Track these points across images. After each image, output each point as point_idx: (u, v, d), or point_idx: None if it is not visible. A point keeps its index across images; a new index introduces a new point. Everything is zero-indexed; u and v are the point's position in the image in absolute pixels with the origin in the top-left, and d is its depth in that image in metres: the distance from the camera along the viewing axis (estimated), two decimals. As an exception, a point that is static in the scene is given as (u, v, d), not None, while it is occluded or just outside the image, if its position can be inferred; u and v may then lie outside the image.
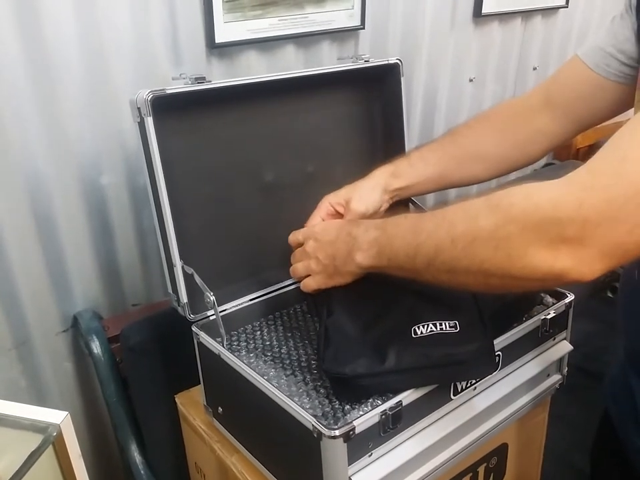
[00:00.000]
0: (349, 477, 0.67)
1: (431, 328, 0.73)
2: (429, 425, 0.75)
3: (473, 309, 0.75)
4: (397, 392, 0.70)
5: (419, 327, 0.73)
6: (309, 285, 0.81)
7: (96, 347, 1.07)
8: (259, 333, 0.92)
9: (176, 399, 0.99)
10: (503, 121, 0.91)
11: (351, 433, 0.65)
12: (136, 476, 1.06)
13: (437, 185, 0.95)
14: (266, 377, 0.77)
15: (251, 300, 0.94)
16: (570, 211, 0.52)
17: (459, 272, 0.60)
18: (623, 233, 0.51)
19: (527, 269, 0.54)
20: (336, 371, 0.71)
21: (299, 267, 0.83)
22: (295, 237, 0.85)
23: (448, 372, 0.72)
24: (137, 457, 1.06)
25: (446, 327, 0.73)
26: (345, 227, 0.77)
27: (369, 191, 0.90)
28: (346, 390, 0.73)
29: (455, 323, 0.73)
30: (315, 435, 0.65)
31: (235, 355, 0.80)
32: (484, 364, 0.74)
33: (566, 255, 0.52)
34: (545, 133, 0.87)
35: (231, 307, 0.91)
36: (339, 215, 0.90)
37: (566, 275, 0.53)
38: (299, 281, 0.84)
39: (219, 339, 0.84)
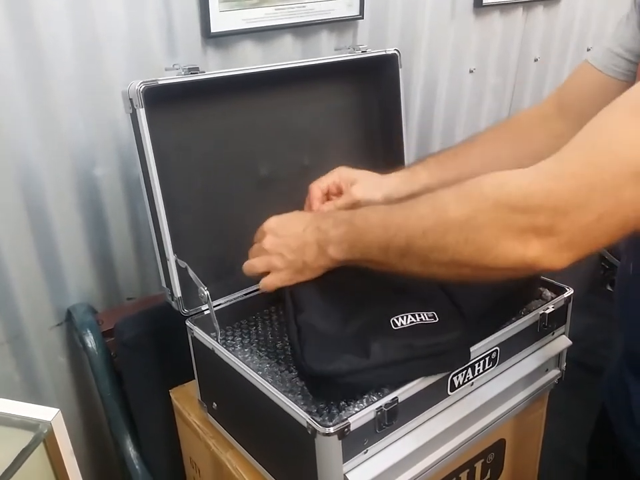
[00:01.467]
0: (344, 474, 0.67)
1: (411, 319, 0.72)
2: (426, 421, 0.74)
3: (445, 300, 0.75)
4: (379, 387, 0.70)
5: (397, 319, 0.72)
6: (271, 282, 0.77)
7: (90, 341, 1.06)
8: (253, 327, 0.91)
9: (170, 394, 0.98)
10: (519, 130, 0.89)
11: (346, 430, 0.64)
12: (131, 470, 1.06)
13: None
14: (260, 373, 0.76)
15: (245, 295, 0.93)
16: (539, 199, 0.52)
17: (431, 264, 0.59)
18: (591, 221, 0.51)
19: (498, 260, 0.54)
20: (319, 369, 0.67)
21: (255, 262, 0.78)
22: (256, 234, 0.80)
23: (432, 363, 0.70)
24: (131, 451, 1.06)
25: (425, 318, 0.72)
26: (311, 221, 0.74)
27: (374, 186, 0.87)
28: (329, 389, 0.69)
29: (433, 314, 0.73)
30: (310, 432, 0.64)
31: (229, 350, 0.79)
32: (462, 354, 0.73)
33: (536, 244, 0.52)
34: (560, 139, 0.85)
35: (225, 301, 0.90)
36: (329, 197, 0.88)
37: (537, 264, 0.53)
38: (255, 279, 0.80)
39: (214, 334, 0.83)
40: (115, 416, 1.07)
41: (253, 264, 0.78)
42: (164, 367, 1.03)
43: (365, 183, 0.86)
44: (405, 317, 0.72)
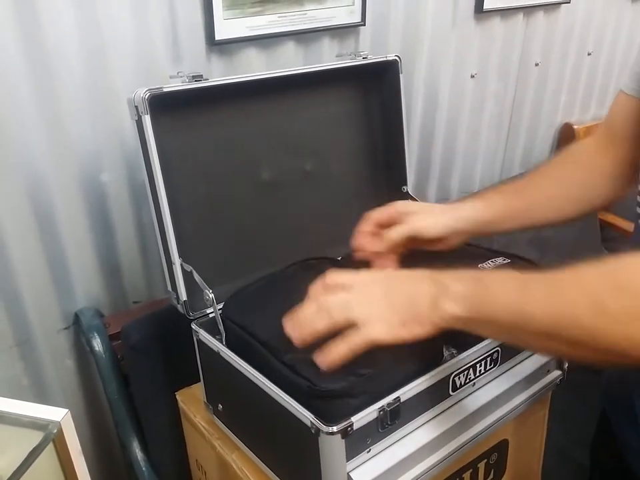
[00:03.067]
0: (348, 473, 0.68)
1: None
2: (428, 421, 0.75)
3: None
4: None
5: None
6: (374, 335, 0.60)
7: (97, 344, 1.07)
8: (258, 330, 0.92)
9: (177, 396, 0.99)
10: (580, 161, 0.88)
11: (349, 429, 0.65)
12: (137, 473, 1.07)
13: (525, 219, 0.85)
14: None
15: (250, 297, 0.94)
16: None
17: (573, 347, 0.55)
18: None
19: None
20: (332, 387, 0.64)
21: (331, 313, 0.61)
22: (328, 283, 0.64)
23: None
24: (138, 453, 1.07)
25: None
26: (423, 274, 0.62)
27: (438, 215, 0.81)
28: (333, 409, 0.66)
29: None
30: (313, 431, 0.65)
31: (234, 353, 0.80)
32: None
33: None
34: (620, 166, 0.85)
35: (230, 304, 0.91)
36: (379, 232, 0.81)
37: None
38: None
39: (219, 337, 0.85)
40: (121, 418, 1.08)
41: (334, 309, 0.61)
42: (170, 369, 1.05)
43: (426, 213, 0.82)
44: None
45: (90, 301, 1.14)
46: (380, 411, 0.67)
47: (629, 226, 1.83)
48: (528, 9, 1.67)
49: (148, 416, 1.08)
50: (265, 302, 0.85)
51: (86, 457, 0.68)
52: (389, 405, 0.68)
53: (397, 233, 0.79)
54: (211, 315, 0.87)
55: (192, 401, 0.97)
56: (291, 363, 0.69)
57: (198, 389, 0.94)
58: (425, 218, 0.80)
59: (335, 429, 0.64)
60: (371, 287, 0.63)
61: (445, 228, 0.80)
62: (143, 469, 1.07)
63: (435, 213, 0.82)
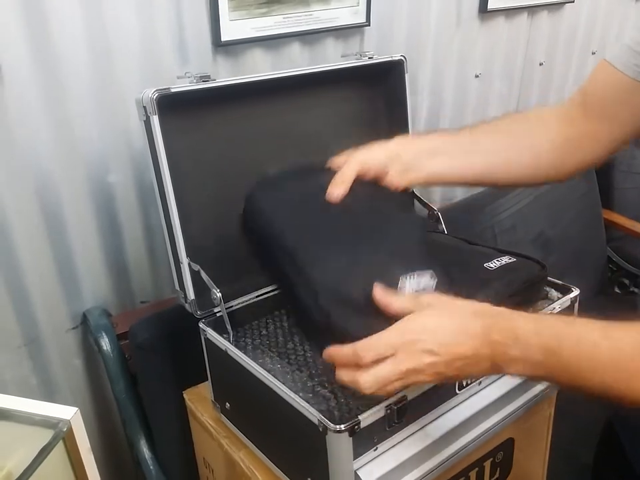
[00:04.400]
0: (355, 471, 0.68)
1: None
2: (435, 420, 0.75)
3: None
4: None
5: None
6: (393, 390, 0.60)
7: (105, 343, 1.08)
8: (264, 329, 0.93)
9: (184, 395, 1.00)
10: (538, 123, 0.84)
11: (356, 427, 0.65)
12: (145, 471, 1.08)
13: (477, 180, 0.84)
14: (272, 373, 0.77)
15: (257, 296, 0.95)
16: None
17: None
18: None
19: None
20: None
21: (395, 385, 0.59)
22: (378, 345, 0.58)
23: None
24: (146, 452, 1.08)
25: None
26: (491, 341, 0.57)
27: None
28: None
29: None
30: (321, 430, 0.66)
31: (241, 351, 0.81)
32: None
33: None
34: (592, 139, 0.80)
35: (237, 303, 0.92)
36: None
37: None
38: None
39: (226, 335, 0.85)
40: (129, 417, 1.09)
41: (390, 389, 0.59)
42: (178, 368, 1.05)
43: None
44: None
45: (98, 300, 1.15)
46: (387, 409, 0.68)
47: (633, 225, 1.83)
48: (532, 9, 1.67)
49: (155, 415, 1.08)
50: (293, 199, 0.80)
51: (94, 455, 0.69)
52: (395, 403, 0.68)
53: (348, 169, 0.77)
54: (218, 314, 0.88)
55: (199, 400, 0.97)
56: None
57: (205, 388, 0.95)
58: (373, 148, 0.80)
59: (342, 427, 0.64)
60: (443, 369, 0.58)
61: (387, 152, 0.79)
62: (151, 467, 1.07)
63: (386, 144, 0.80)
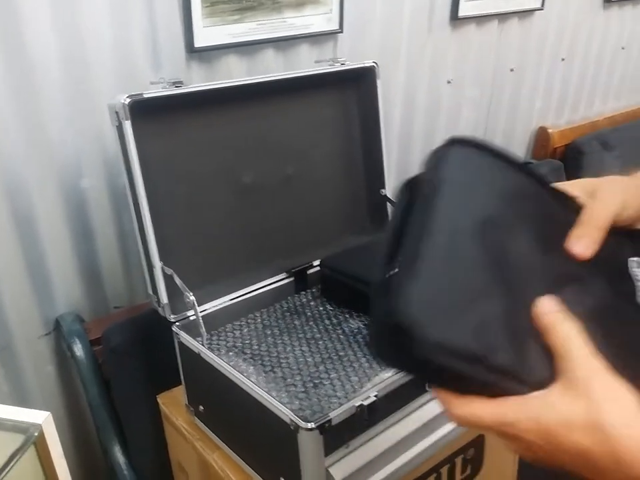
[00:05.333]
0: (326, 469, 0.69)
1: None
2: (405, 417, 0.77)
3: None
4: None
5: None
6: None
7: (78, 349, 1.07)
8: (238, 331, 0.94)
9: (158, 399, 1.00)
10: None
11: (327, 425, 0.66)
12: (119, 477, 1.07)
13: None
14: (245, 374, 0.78)
15: (231, 300, 0.95)
16: None
17: None
18: None
19: None
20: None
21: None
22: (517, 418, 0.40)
23: None
24: (119, 457, 1.07)
25: None
26: (602, 455, 0.38)
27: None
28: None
29: None
30: (292, 428, 0.67)
31: (215, 354, 0.81)
32: None
33: None
34: None
35: (211, 306, 0.93)
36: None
37: None
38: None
39: (199, 339, 0.86)
40: (103, 423, 1.09)
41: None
42: (151, 373, 1.05)
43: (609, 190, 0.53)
44: None
45: (70, 306, 1.15)
46: (358, 407, 0.69)
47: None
48: (502, 16, 1.70)
49: (129, 420, 1.08)
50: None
51: (68, 461, 0.69)
52: (366, 400, 0.69)
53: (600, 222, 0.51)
54: (192, 318, 0.89)
55: (173, 404, 0.98)
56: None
57: (179, 392, 0.95)
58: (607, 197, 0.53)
59: (313, 425, 0.65)
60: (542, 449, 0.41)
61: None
62: (125, 472, 1.07)
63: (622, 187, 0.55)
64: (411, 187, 0.47)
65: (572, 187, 0.55)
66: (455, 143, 0.48)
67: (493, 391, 0.39)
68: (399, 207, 0.46)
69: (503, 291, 0.41)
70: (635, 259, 0.51)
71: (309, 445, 0.66)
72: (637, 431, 0.37)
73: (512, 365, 0.39)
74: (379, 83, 1.09)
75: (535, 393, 0.40)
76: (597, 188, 0.54)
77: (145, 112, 0.84)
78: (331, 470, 0.69)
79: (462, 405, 0.41)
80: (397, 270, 0.41)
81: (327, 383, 0.79)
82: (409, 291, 0.38)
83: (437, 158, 0.47)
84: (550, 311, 0.41)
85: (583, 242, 0.49)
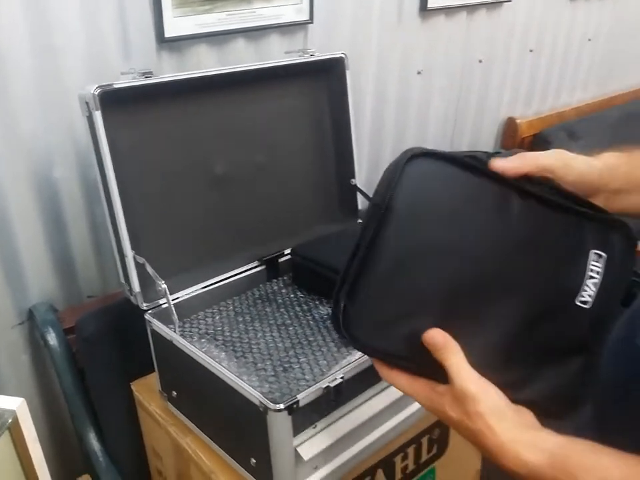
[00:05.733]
0: (295, 448, 0.72)
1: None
2: (372, 397, 0.79)
3: None
4: None
5: None
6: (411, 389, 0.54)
7: (52, 338, 1.08)
8: (211, 319, 0.95)
9: (132, 387, 1.02)
10: None
11: (295, 405, 0.69)
12: (94, 463, 1.09)
13: None
14: (217, 360, 0.80)
15: (203, 288, 0.97)
16: None
17: None
18: None
19: None
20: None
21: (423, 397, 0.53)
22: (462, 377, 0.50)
23: None
24: (95, 444, 1.09)
25: None
26: (512, 440, 0.48)
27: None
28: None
29: None
30: (262, 409, 0.69)
31: (187, 341, 0.83)
32: None
33: None
34: None
35: (183, 294, 0.94)
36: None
37: None
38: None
39: (172, 326, 0.87)
40: (77, 411, 1.10)
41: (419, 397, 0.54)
42: (125, 361, 1.07)
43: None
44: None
45: (44, 296, 1.15)
46: (324, 389, 0.72)
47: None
48: (470, 7, 1.73)
49: (104, 407, 1.09)
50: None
51: (43, 448, 0.70)
52: (333, 382, 0.72)
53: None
54: (164, 306, 0.90)
55: (147, 391, 0.99)
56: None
57: (153, 379, 0.97)
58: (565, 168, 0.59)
59: (282, 406, 0.68)
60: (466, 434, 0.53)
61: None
62: (100, 459, 1.09)
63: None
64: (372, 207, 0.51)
65: (546, 156, 0.59)
66: (412, 158, 0.52)
67: (411, 371, 0.52)
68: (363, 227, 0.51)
69: (425, 311, 0.51)
70: (596, 251, 0.54)
71: (277, 425, 0.69)
72: (499, 411, 0.50)
73: (413, 360, 0.52)
74: (348, 73, 1.11)
75: (439, 388, 0.51)
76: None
77: (116, 102, 0.85)
78: (300, 449, 0.72)
79: (389, 374, 0.54)
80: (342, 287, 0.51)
81: (296, 366, 0.82)
82: (345, 311, 0.50)
83: (390, 178, 0.50)
84: (436, 341, 0.51)
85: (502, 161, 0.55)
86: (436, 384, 0.52)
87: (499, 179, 0.54)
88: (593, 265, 0.54)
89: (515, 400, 0.51)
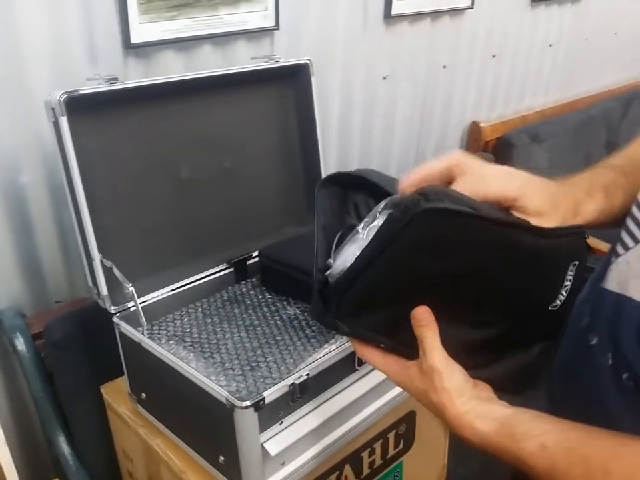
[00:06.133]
0: (262, 444, 0.74)
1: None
2: (336, 394, 0.82)
3: None
4: None
5: None
6: (373, 359, 0.57)
7: (20, 344, 1.08)
8: (179, 321, 0.97)
9: (101, 390, 1.02)
10: None
11: (261, 402, 0.71)
12: (64, 467, 1.09)
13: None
14: (185, 361, 0.82)
15: (171, 290, 0.98)
16: None
17: None
18: None
19: None
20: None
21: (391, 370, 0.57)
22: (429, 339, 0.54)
23: None
24: (64, 448, 1.09)
25: None
26: (472, 411, 0.52)
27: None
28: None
29: None
30: (228, 407, 0.71)
31: (155, 343, 0.84)
32: None
33: None
34: None
35: (151, 297, 0.95)
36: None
37: None
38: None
39: (140, 329, 0.89)
40: (47, 416, 1.10)
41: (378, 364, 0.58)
42: (94, 365, 1.07)
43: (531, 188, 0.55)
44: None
45: (12, 301, 1.15)
46: (290, 386, 0.74)
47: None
48: (434, 14, 1.77)
49: (73, 411, 1.09)
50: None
51: (12, 453, 0.71)
52: (298, 379, 0.74)
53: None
54: (132, 309, 0.91)
55: (116, 393, 1.00)
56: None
57: (122, 382, 0.98)
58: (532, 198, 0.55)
59: (248, 403, 0.70)
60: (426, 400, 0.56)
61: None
62: (70, 463, 1.09)
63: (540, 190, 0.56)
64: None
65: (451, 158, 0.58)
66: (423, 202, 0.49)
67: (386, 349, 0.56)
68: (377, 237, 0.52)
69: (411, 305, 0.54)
70: (573, 262, 0.57)
71: (244, 422, 0.71)
72: (461, 387, 0.54)
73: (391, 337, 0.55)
74: (313, 79, 1.14)
75: (408, 363, 0.55)
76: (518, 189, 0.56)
77: (81, 108, 0.86)
78: (266, 445, 0.74)
79: (364, 350, 0.57)
80: (335, 279, 0.53)
81: (263, 365, 0.84)
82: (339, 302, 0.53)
83: (401, 217, 0.49)
84: (423, 317, 0.54)
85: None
86: (405, 360, 0.56)
87: (496, 221, 0.53)
88: (569, 275, 0.57)
89: (475, 377, 0.55)
